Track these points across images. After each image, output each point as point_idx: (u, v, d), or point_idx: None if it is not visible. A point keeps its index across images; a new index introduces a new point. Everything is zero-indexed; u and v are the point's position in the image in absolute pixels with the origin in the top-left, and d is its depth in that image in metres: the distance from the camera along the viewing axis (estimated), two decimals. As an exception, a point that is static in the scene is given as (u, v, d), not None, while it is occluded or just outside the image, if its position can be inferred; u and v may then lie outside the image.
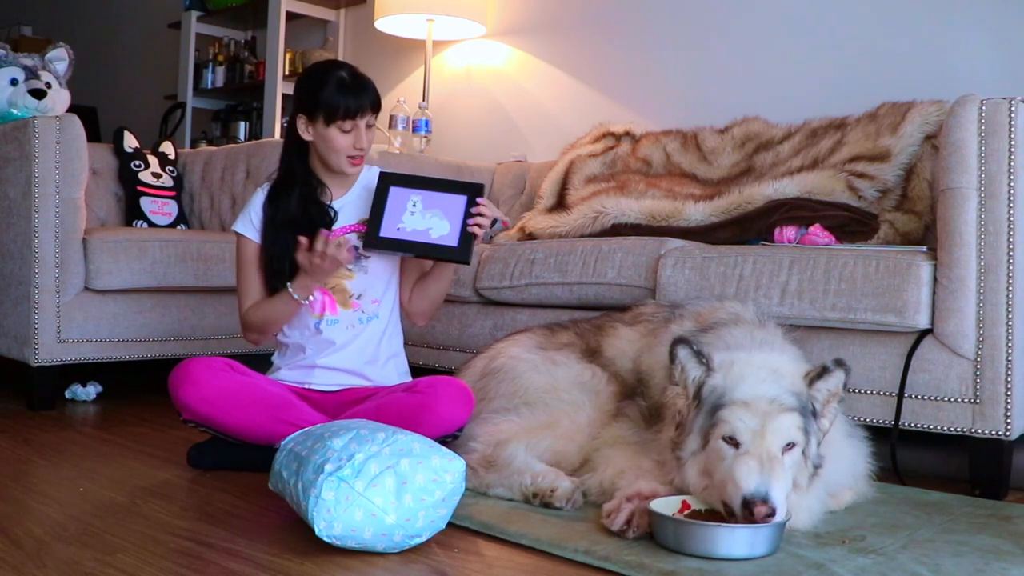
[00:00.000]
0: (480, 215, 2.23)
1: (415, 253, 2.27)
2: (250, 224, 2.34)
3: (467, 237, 2.23)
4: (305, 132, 2.30)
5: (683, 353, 1.79)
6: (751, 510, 1.60)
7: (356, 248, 2.32)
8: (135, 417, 2.93)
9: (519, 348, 2.30)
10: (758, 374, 1.75)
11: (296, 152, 2.36)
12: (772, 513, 1.61)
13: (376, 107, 2.29)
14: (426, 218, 2.24)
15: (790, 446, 1.70)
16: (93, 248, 3.03)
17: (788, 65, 3.52)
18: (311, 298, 2.28)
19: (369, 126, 2.29)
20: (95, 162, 3.66)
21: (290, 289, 2.25)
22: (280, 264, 2.30)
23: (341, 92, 2.24)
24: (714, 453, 1.71)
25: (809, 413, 1.74)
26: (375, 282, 2.34)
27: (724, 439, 1.70)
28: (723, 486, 1.68)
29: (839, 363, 1.77)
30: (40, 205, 2.95)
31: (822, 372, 1.77)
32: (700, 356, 1.79)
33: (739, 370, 1.76)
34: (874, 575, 1.57)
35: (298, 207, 2.31)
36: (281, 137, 4.70)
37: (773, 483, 1.63)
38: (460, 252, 2.23)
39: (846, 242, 2.66)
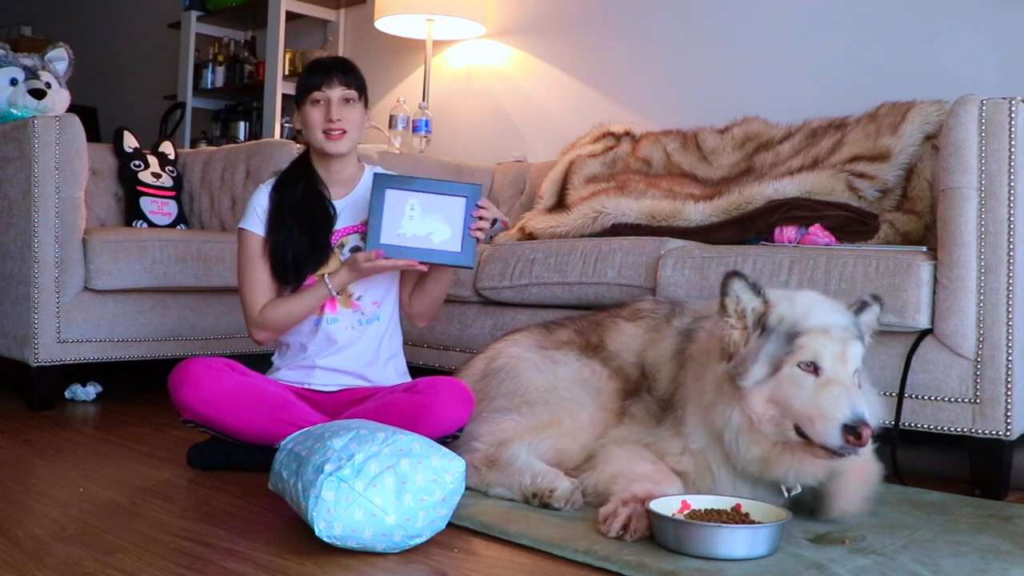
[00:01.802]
0: (481, 218, 2.23)
1: (418, 260, 2.26)
2: (256, 219, 2.35)
3: (469, 242, 2.22)
4: (297, 122, 2.37)
5: (738, 285, 1.81)
6: (858, 434, 1.64)
7: (359, 249, 2.32)
8: (135, 417, 2.93)
9: (519, 348, 2.30)
10: (824, 305, 1.81)
11: (303, 152, 2.43)
12: (872, 434, 1.66)
13: (349, 81, 2.31)
14: (426, 222, 2.23)
15: (855, 374, 1.75)
16: (93, 248, 3.03)
17: (788, 65, 3.52)
18: (340, 294, 2.30)
19: (347, 100, 2.30)
20: (95, 162, 3.66)
21: (327, 281, 2.26)
22: (283, 253, 2.30)
23: (312, 68, 2.34)
24: (788, 380, 1.73)
25: (863, 343, 1.80)
26: (376, 284, 2.34)
27: (801, 365, 1.72)
28: (807, 419, 1.70)
29: (876, 297, 1.87)
30: (40, 205, 2.95)
31: (863, 306, 1.85)
32: (755, 288, 1.81)
33: (804, 301, 1.81)
34: (874, 575, 1.57)
35: (303, 197, 2.34)
36: (281, 137, 4.72)
37: (863, 406, 1.68)
38: (464, 257, 2.23)
39: (846, 242, 2.66)
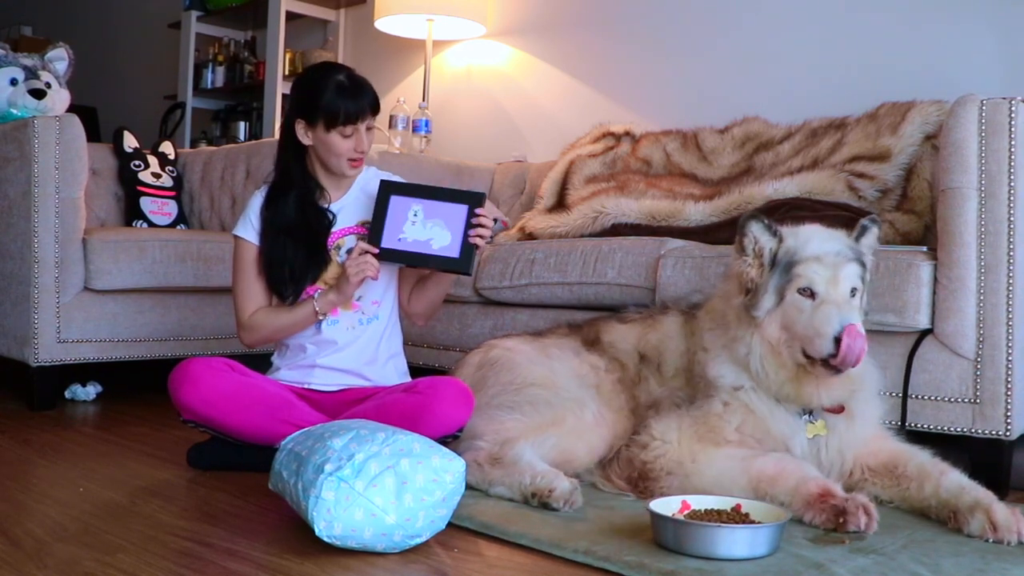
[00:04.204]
0: (481, 225, 2.23)
1: (417, 264, 2.27)
2: (250, 227, 2.34)
3: (468, 248, 2.22)
4: (304, 136, 2.30)
5: (756, 227, 1.98)
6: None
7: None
8: (135, 417, 2.94)
9: (513, 340, 2.35)
10: (822, 235, 1.98)
11: (293, 155, 2.35)
12: (864, 341, 1.82)
13: (375, 109, 2.29)
14: (427, 228, 2.23)
15: (853, 292, 1.93)
16: (93, 248, 3.03)
17: (788, 65, 3.52)
18: (328, 315, 2.29)
19: (369, 128, 2.29)
20: (95, 162, 3.66)
21: (316, 306, 2.26)
22: (279, 270, 2.30)
23: (340, 97, 2.23)
24: (791, 306, 1.92)
25: (862, 264, 1.97)
26: (375, 284, 2.33)
27: (799, 291, 1.91)
28: (806, 338, 1.88)
29: (873, 220, 2.03)
30: (40, 205, 2.95)
31: (863, 230, 2.01)
32: (771, 228, 1.98)
33: (805, 234, 1.99)
34: (874, 575, 1.57)
35: (296, 212, 2.31)
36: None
37: (854, 317, 1.86)
38: (462, 264, 2.23)
39: (846, 242, 2.66)
